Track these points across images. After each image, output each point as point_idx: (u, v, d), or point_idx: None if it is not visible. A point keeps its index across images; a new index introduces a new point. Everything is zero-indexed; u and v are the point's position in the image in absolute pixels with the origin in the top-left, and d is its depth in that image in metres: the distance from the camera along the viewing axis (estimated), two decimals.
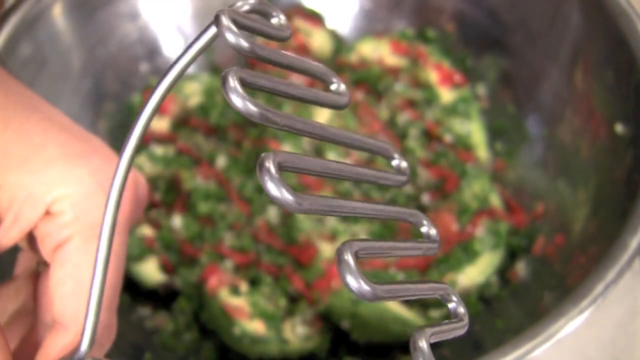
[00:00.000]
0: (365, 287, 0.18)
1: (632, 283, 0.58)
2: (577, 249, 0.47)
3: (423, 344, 0.20)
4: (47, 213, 0.29)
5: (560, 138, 0.55)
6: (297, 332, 0.49)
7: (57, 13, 0.56)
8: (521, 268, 0.52)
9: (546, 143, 0.56)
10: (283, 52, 0.21)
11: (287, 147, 0.56)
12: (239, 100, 0.18)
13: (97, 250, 0.23)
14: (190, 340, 0.52)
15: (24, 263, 0.33)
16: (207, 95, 0.62)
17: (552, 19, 0.55)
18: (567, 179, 0.53)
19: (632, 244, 0.41)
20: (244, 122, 0.61)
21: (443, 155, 0.57)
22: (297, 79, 0.63)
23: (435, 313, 0.49)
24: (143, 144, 0.60)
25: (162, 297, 0.54)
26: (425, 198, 0.54)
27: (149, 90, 0.62)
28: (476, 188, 0.54)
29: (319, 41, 0.66)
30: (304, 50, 0.65)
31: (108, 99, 0.61)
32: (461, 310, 0.22)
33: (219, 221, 0.54)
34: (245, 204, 0.55)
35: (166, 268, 0.53)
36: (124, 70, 0.62)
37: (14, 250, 0.34)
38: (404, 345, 0.50)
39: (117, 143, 0.65)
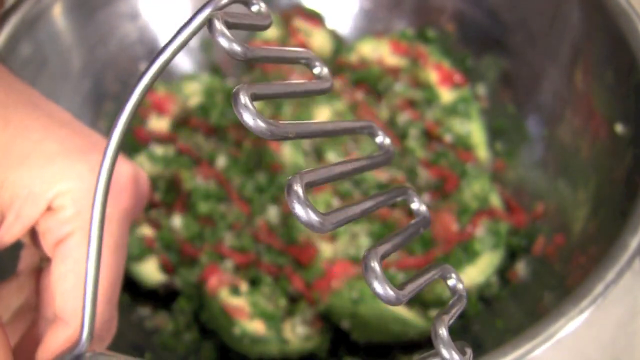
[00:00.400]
0: (391, 293, 0.20)
1: (632, 283, 0.57)
2: (577, 249, 0.47)
3: (443, 332, 0.22)
4: (49, 209, 0.29)
5: (560, 138, 0.55)
6: (297, 332, 0.49)
7: (57, 13, 0.56)
8: (521, 268, 0.52)
9: (546, 143, 0.56)
10: (268, 47, 0.21)
11: (287, 147, 0.56)
12: (250, 118, 0.18)
13: (89, 244, 0.23)
14: (190, 340, 0.52)
15: (27, 259, 0.33)
16: (207, 95, 0.62)
17: (552, 19, 0.55)
18: (567, 179, 0.53)
19: (632, 244, 0.41)
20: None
21: (443, 155, 0.57)
22: (296, 78, 0.63)
23: (435, 313, 0.49)
24: (143, 144, 0.60)
25: (162, 297, 0.54)
26: (425, 198, 0.54)
27: (149, 90, 0.62)
28: (476, 188, 0.54)
29: (319, 41, 0.66)
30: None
31: (108, 99, 0.61)
32: (460, 286, 0.24)
33: (219, 221, 0.54)
34: (245, 204, 0.55)
35: (166, 268, 0.53)
36: (124, 70, 0.62)
37: (17, 248, 0.34)
38: (404, 345, 0.50)
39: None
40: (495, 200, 0.54)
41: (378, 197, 0.22)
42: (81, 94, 0.59)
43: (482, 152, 0.59)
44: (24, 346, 0.30)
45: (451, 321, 0.21)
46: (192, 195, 0.55)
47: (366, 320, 0.47)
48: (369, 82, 0.62)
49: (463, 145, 0.58)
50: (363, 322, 0.48)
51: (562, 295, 0.41)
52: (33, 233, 0.31)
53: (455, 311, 0.22)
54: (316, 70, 0.23)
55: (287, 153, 0.56)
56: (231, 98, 0.19)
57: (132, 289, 0.54)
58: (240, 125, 0.62)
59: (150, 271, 0.53)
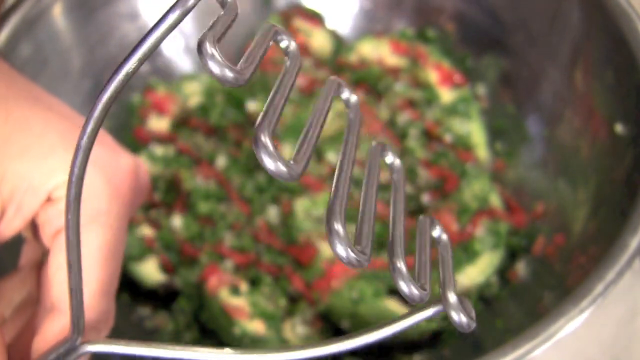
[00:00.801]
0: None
1: (632, 283, 0.57)
2: (577, 249, 0.47)
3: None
4: (48, 199, 0.29)
5: (560, 138, 0.55)
6: (297, 332, 0.49)
7: (57, 13, 0.56)
8: (521, 268, 0.52)
9: (546, 143, 0.56)
10: (251, 54, 0.21)
11: (287, 147, 0.56)
12: (270, 162, 0.18)
13: (67, 237, 0.23)
14: (190, 340, 0.52)
15: (28, 254, 0.33)
16: (207, 95, 0.62)
17: (552, 19, 0.55)
18: (567, 179, 0.53)
19: (632, 244, 0.41)
20: (244, 122, 0.61)
21: (443, 155, 0.57)
22: (297, 80, 0.63)
23: None
24: (143, 144, 0.60)
25: (162, 297, 0.54)
26: (425, 198, 0.54)
27: (149, 90, 0.62)
28: (476, 188, 0.54)
29: (319, 41, 0.66)
30: (304, 50, 0.65)
31: None
32: (444, 237, 0.26)
33: (219, 221, 0.54)
34: (245, 204, 0.55)
35: (166, 268, 0.53)
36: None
37: (17, 245, 0.34)
38: (404, 346, 0.50)
39: (117, 143, 0.65)
40: (495, 200, 0.54)
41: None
42: (81, 94, 0.59)
43: (482, 152, 0.59)
44: (23, 338, 0.30)
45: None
46: (192, 195, 0.55)
47: (366, 320, 0.47)
48: (369, 82, 0.62)
49: (463, 145, 0.58)
50: (363, 322, 0.48)
51: (562, 295, 0.41)
52: (34, 228, 0.31)
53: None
54: (283, 44, 0.23)
55: (287, 153, 0.56)
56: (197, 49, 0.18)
57: (132, 289, 0.54)
58: (241, 125, 0.62)
59: (150, 271, 0.53)
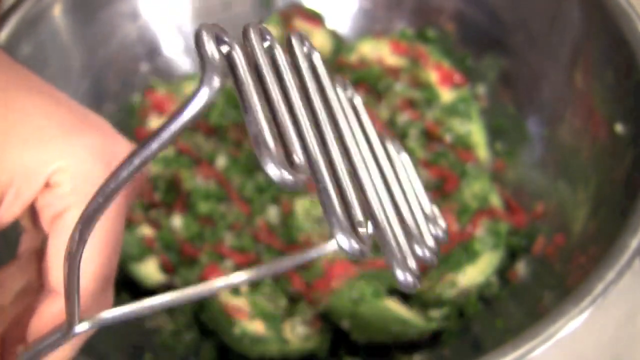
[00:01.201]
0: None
1: (632, 283, 0.57)
2: (577, 249, 0.47)
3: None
4: (47, 185, 0.29)
5: (560, 138, 0.55)
6: (297, 332, 0.49)
7: (57, 13, 0.56)
8: (521, 268, 0.52)
9: (546, 143, 0.56)
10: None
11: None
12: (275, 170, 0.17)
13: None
14: (190, 340, 0.52)
15: (27, 242, 0.34)
16: None
17: (552, 19, 0.55)
18: (567, 179, 0.53)
19: (632, 244, 0.41)
20: (244, 122, 0.61)
21: (443, 155, 0.57)
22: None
23: (435, 313, 0.50)
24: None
25: None
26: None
27: (149, 90, 0.62)
28: (476, 188, 0.54)
29: (319, 41, 0.66)
30: None
31: (108, 99, 0.61)
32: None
33: (219, 221, 0.54)
34: (245, 204, 0.55)
35: (166, 268, 0.53)
36: (124, 70, 0.62)
37: (13, 236, 0.34)
38: (404, 346, 0.50)
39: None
40: (495, 200, 0.54)
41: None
42: (81, 94, 0.59)
43: (482, 152, 0.59)
44: (21, 323, 0.31)
45: None
46: (192, 195, 0.55)
47: (366, 320, 0.47)
48: (369, 82, 0.62)
49: (463, 145, 0.58)
50: (363, 322, 0.48)
51: (562, 295, 0.41)
52: (33, 215, 0.32)
53: None
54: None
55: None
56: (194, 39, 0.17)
57: (132, 289, 0.54)
58: (241, 125, 0.62)
59: (150, 271, 0.53)
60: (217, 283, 0.31)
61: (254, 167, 0.58)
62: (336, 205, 0.19)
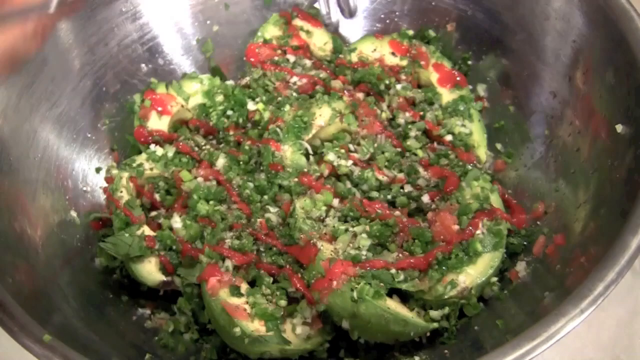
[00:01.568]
0: None
1: (632, 283, 0.57)
2: (577, 249, 0.47)
3: None
4: None
5: (560, 138, 0.55)
6: (297, 332, 0.49)
7: (57, 13, 0.56)
8: (521, 268, 0.52)
9: (546, 143, 0.56)
10: None
11: (287, 147, 0.56)
12: None
13: None
14: (190, 340, 0.52)
15: None
16: (207, 96, 0.62)
17: (552, 19, 0.56)
18: (567, 179, 0.53)
19: (632, 244, 0.41)
20: (244, 122, 0.61)
21: (443, 155, 0.57)
22: (297, 79, 0.63)
23: (435, 313, 0.50)
24: (143, 144, 0.60)
25: (162, 297, 0.54)
26: (425, 198, 0.54)
27: (149, 90, 0.62)
28: (476, 188, 0.54)
29: (319, 41, 0.66)
30: (304, 49, 0.65)
31: (108, 99, 0.61)
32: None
33: (219, 222, 0.54)
34: (246, 204, 0.55)
35: (166, 268, 0.53)
36: (124, 70, 0.62)
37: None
38: (404, 346, 0.50)
39: (117, 143, 0.65)
40: (496, 200, 0.54)
41: None
42: (81, 94, 0.59)
43: (482, 152, 0.59)
44: None
45: None
46: (192, 196, 0.55)
47: (366, 320, 0.47)
48: (369, 82, 0.62)
49: (463, 145, 0.58)
50: (363, 322, 0.48)
51: (562, 295, 0.41)
52: None
53: None
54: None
55: (288, 154, 0.56)
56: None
57: (132, 289, 0.54)
58: (241, 126, 0.62)
59: (150, 271, 0.53)
60: None
61: (253, 167, 0.58)
62: None
